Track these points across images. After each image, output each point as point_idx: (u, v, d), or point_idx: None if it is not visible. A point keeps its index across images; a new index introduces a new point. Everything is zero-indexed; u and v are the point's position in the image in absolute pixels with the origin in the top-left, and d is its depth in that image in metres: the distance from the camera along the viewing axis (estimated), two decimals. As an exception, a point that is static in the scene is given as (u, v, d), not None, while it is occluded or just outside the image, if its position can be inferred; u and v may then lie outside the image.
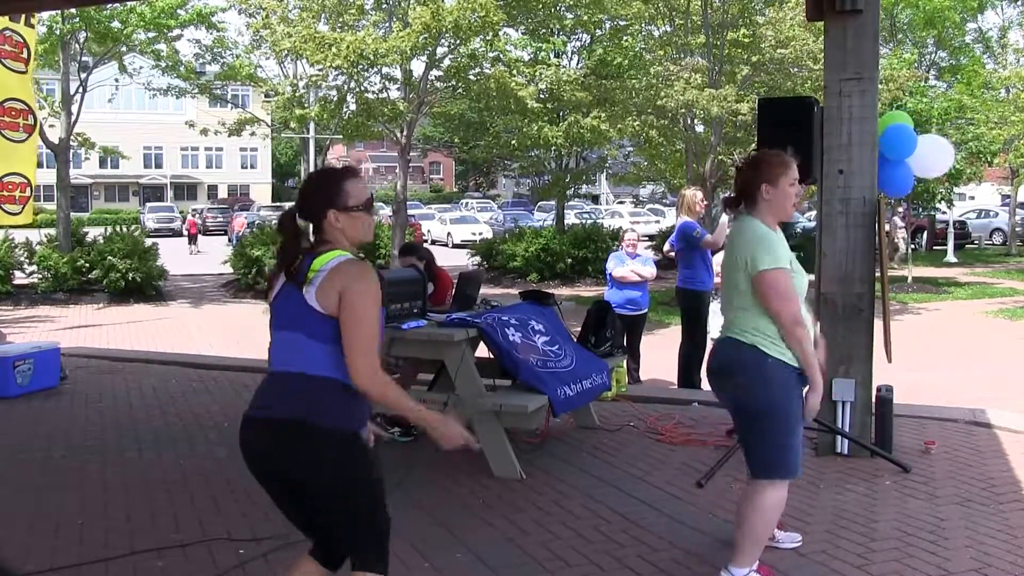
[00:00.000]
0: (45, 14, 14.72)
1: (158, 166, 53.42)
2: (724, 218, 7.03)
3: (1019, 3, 29.69)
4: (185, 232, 31.62)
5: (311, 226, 2.52)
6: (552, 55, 22.36)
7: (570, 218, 26.75)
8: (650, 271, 7.75)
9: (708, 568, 3.55)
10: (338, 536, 2.51)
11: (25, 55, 8.16)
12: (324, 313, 2.39)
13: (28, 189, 8.30)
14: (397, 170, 20.15)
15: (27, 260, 15.99)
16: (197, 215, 35.61)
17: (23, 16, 8.10)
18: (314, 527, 2.57)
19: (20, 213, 8.27)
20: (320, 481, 2.40)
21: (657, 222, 33.36)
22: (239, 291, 17.19)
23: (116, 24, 16.60)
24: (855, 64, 4.99)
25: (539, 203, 37.24)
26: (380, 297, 2.46)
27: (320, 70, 18.25)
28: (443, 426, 2.54)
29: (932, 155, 5.40)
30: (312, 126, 22.51)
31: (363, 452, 2.47)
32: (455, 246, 30.27)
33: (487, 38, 18.31)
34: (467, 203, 47.26)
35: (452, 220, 35.24)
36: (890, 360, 5.06)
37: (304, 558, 2.61)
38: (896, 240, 22.55)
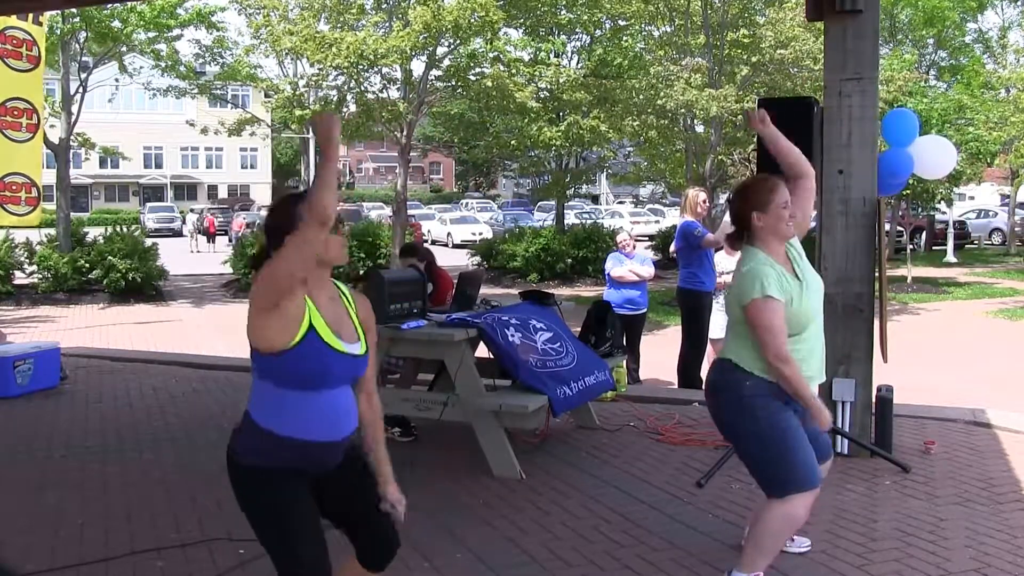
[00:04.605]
0: (47, 13, 14.72)
1: (158, 166, 53.43)
2: (727, 217, 7.02)
3: (1019, 3, 29.70)
4: (200, 231, 31.98)
5: None
6: (552, 55, 22.36)
7: (570, 218, 26.76)
8: (648, 271, 7.75)
9: (708, 568, 3.56)
10: None
11: (35, 53, 8.13)
12: (251, 346, 2.36)
13: (34, 190, 8.27)
14: (397, 170, 20.15)
15: (27, 260, 16.00)
16: (209, 214, 35.84)
17: (30, 15, 8.09)
18: (348, 525, 2.55)
19: (27, 214, 8.25)
20: None
21: (657, 222, 33.36)
22: (239, 291, 17.19)
23: (116, 24, 16.62)
24: (855, 64, 4.99)
25: (539, 203, 37.26)
26: (264, 276, 2.27)
27: (320, 70, 18.26)
28: None
29: (935, 154, 5.40)
30: (312, 126, 22.47)
31: (254, 488, 2.38)
32: (455, 246, 30.27)
33: (487, 38, 18.32)
34: (467, 203, 47.27)
35: (452, 220, 35.24)
36: (885, 360, 5.06)
37: (350, 560, 2.59)
38: None
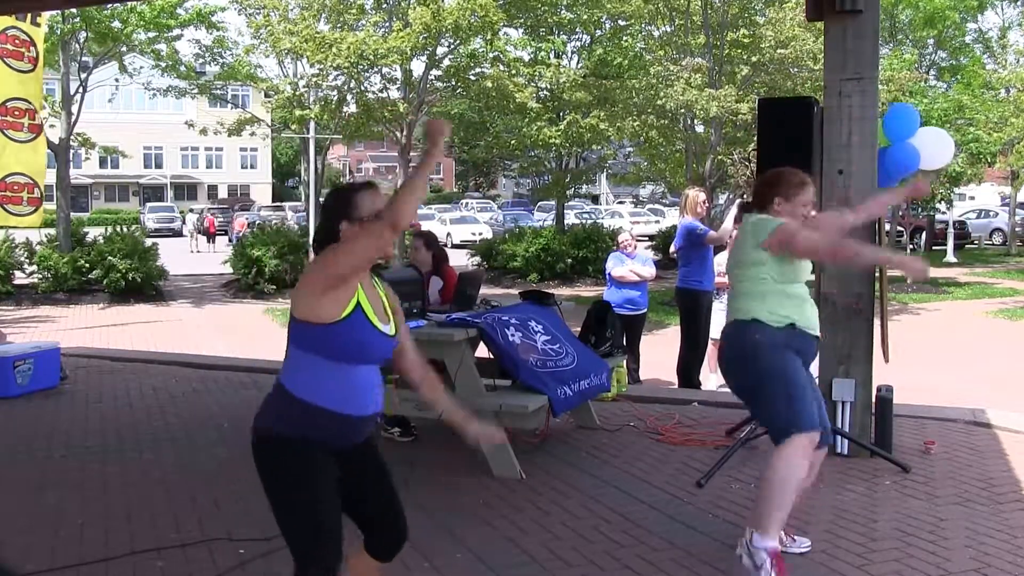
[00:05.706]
0: (45, 14, 14.74)
1: (158, 166, 53.41)
2: (730, 217, 7.01)
3: (1019, 3, 29.69)
4: (200, 231, 32.38)
5: None
6: (552, 55, 22.39)
7: (570, 218, 26.76)
8: (649, 271, 7.75)
9: (708, 568, 3.56)
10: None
11: (33, 54, 8.13)
12: (295, 317, 2.48)
13: (36, 190, 8.25)
14: (397, 170, 20.17)
15: (27, 260, 16.00)
16: (209, 214, 36.03)
17: (29, 15, 8.09)
18: (363, 516, 2.64)
19: (29, 215, 8.24)
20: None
21: (657, 222, 33.37)
22: (239, 291, 17.20)
23: (116, 24, 16.62)
24: (855, 64, 4.99)
25: (539, 203, 37.27)
26: (330, 261, 2.43)
27: (320, 70, 18.28)
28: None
29: (934, 145, 5.39)
30: (312, 126, 22.56)
31: (285, 458, 2.46)
32: (455, 246, 30.23)
33: (487, 38, 18.34)
34: (467, 203, 47.24)
35: (452, 220, 35.23)
36: (887, 360, 5.07)
37: (360, 553, 2.69)
38: None
